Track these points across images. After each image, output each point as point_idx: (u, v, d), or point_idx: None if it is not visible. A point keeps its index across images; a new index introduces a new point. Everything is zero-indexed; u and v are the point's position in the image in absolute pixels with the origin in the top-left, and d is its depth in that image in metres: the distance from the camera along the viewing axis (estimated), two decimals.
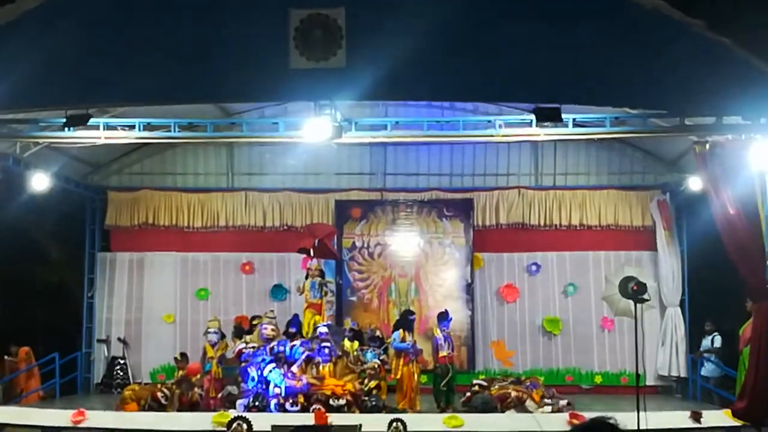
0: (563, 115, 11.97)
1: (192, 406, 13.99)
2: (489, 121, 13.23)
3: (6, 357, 17.18)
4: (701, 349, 17.00)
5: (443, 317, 14.83)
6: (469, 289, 18.20)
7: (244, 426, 11.49)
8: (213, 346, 14.74)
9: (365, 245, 18.46)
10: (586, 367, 18.02)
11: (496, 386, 14.59)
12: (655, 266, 17.83)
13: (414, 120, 13.97)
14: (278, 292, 18.47)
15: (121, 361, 18.18)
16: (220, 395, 14.29)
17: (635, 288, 10.93)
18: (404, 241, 18.39)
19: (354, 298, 18.35)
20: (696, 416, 13.03)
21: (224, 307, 18.28)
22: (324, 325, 14.73)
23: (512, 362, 18.14)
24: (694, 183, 15.90)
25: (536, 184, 18.64)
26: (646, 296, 11.09)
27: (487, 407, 13.56)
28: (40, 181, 15.82)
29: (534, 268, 18.38)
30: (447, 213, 18.39)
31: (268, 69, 11.35)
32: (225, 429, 11.66)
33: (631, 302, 11.02)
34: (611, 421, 2.57)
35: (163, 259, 18.78)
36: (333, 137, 12.44)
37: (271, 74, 11.37)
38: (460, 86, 11.46)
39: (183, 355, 15.21)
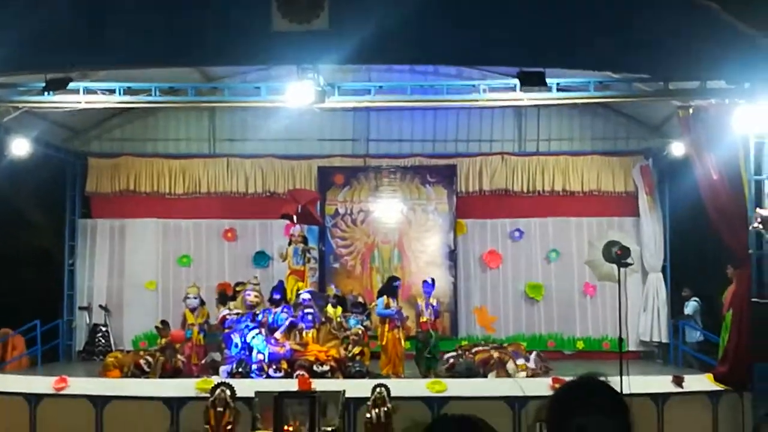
0: (547, 80, 11.92)
1: (175, 373, 13.95)
2: (473, 86, 13.17)
3: None
4: (684, 313, 17.11)
5: (426, 283, 14.85)
6: (452, 255, 18.19)
7: (228, 392, 11.44)
8: (192, 311, 14.69)
9: (348, 212, 18.40)
10: (568, 333, 18.10)
11: (478, 350, 14.62)
12: (638, 232, 17.84)
13: (397, 84, 13.89)
14: (261, 258, 18.40)
15: (103, 329, 18.10)
16: (203, 362, 14.27)
17: (619, 252, 10.95)
18: (387, 208, 18.34)
19: (337, 265, 18.32)
20: (678, 380, 13.12)
21: (207, 273, 18.21)
22: (307, 292, 14.69)
23: (495, 328, 18.19)
24: (677, 148, 15.89)
25: (519, 150, 18.60)
26: (629, 260, 11.11)
27: (470, 372, 13.60)
28: (20, 146, 15.65)
29: (517, 234, 18.38)
30: (430, 179, 18.33)
31: (251, 31, 11.24)
32: (208, 395, 11.62)
33: (615, 267, 11.05)
34: (602, 378, 2.51)
35: (145, 226, 18.65)
36: (316, 102, 12.35)
37: (253, 37, 11.26)
38: (444, 50, 11.39)
39: (164, 322, 15.14)
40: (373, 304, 14.98)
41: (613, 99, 13.94)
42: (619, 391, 2.53)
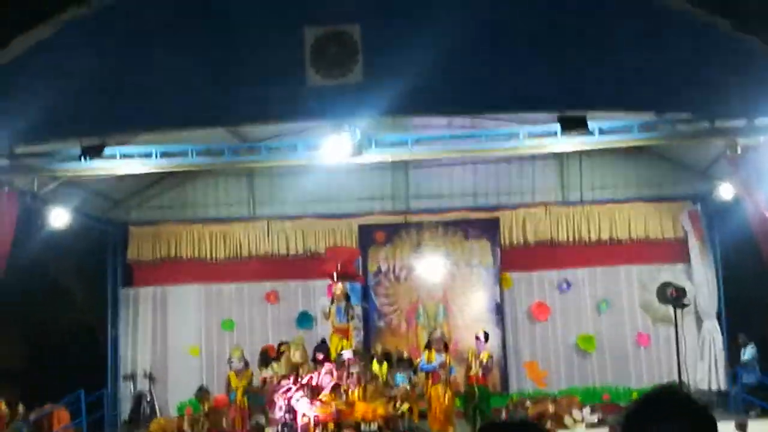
0: (589, 123, 11.66)
1: None
2: (513, 133, 12.93)
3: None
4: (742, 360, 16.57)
5: (478, 338, 14.60)
6: (499, 309, 17.81)
7: None
8: (237, 374, 14.43)
9: (391, 269, 18.14)
10: (623, 384, 17.51)
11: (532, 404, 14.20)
12: (689, 278, 17.32)
13: (435, 137, 13.65)
14: (304, 319, 18.16)
15: (148, 397, 17.88)
16: (248, 426, 13.95)
17: (674, 293, 10.57)
18: (430, 264, 18.05)
19: (382, 323, 18.01)
20: (742, 426, 12.58)
21: (250, 337, 17.97)
22: (350, 351, 14.35)
23: (546, 382, 17.68)
24: (725, 191, 15.51)
25: (563, 200, 18.29)
26: (685, 301, 10.72)
27: None
28: (59, 217, 15.60)
29: (565, 285, 17.96)
30: (473, 233, 18.04)
31: (285, 88, 11.18)
32: None
33: (671, 308, 10.63)
34: (676, 387, 2.33)
35: (187, 292, 18.54)
36: (353, 155, 12.19)
37: (288, 93, 11.19)
38: (481, 97, 11.22)
39: (202, 388, 14.90)
40: (418, 360, 14.66)
41: (657, 141, 13.57)
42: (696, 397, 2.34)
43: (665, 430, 2.20)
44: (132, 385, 18.25)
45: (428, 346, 14.27)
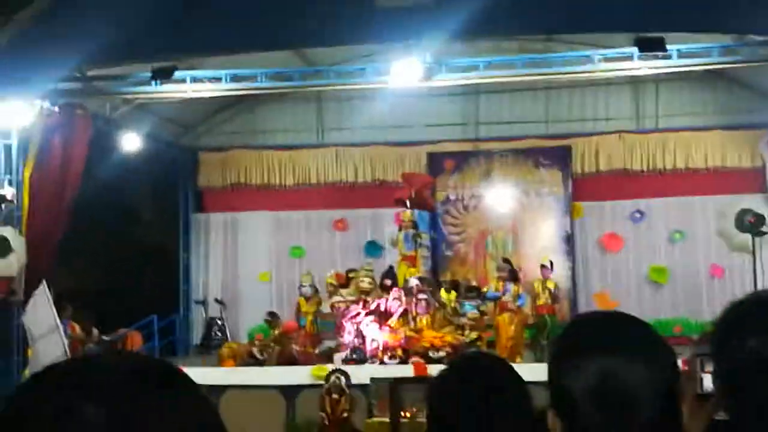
0: (667, 46, 11.26)
1: (290, 362, 13.79)
2: (587, 56, 12.57)
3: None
4: None
5: (544, 267, 14.44)
6: (569, 239, 17.56)
7: (343, 379, 11.21)
8: (307, 300, 14.51)
9: (459, 198, 17.98)
10: (696, 317, 17.19)
11: None
12: (766, 209, 16.81)
13: (507, 59, 13.34)
14: (372, 248, 18.14)
15: (219, 322, 18.12)
16: (317, 350, 14.05)
17: (752, 221, 10.26)
18: (500, 193, 17.84)
19: (450, 253, 17.92)
20: None
21: (319, 264, 17.98)
22: (416, 278, 14.28)
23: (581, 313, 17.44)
24: None
25: (637, 128, 17.82)
26: (764, 228, 10.38)
27: None
28: (131, 142, 15.77)
29: (638, 215, 17.60)
30: (544, 162, 17.73)
31: (354, 10, 10.97)
32: (323, 382, 11.40)
33: (749, 236, 10.33)
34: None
35: (257, 219, 18.65)
36: (423, 79, 12.00)
37: (355, 15, 11.00)
38: (555, 17, 10.90)
39: (272, 313, 15.02)
40: (486, 288, 14.57)
41: (738, 65, 13.06)
42: None
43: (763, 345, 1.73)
44: (203, 311, 18.52)
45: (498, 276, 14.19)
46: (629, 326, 1.80)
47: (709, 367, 1.83)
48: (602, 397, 1.66)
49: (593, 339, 1.76)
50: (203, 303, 18.56)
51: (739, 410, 1.72)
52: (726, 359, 1.76)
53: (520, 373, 2.43)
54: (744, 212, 10.59)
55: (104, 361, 1.09)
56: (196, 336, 18.51)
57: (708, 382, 1.85)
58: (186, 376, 1.10)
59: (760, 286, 10.85)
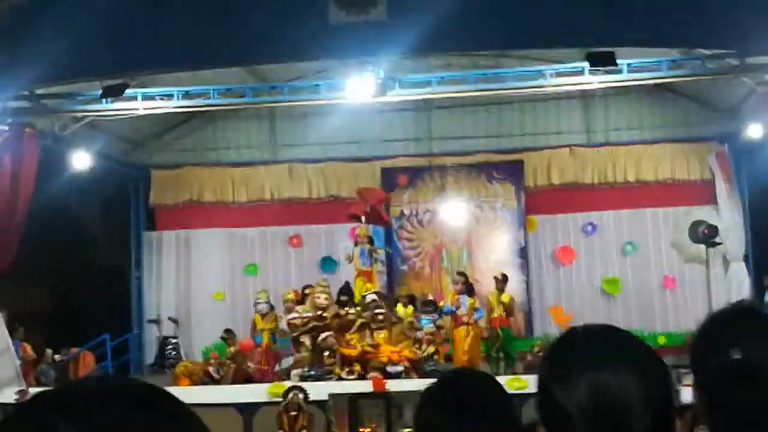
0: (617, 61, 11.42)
1: (247, 380, 13.69)
2: (539, 71, 12.70)
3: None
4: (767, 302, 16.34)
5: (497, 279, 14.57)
6: (523, 252, 17.68)
7: (301, 395, 11.14)
8: (263, 317, 14.42)
9: (414, 213, 18.02)
10: (649, 328, 17.29)
11: None
12: (716, 220, 17.06)
13: (460, 75, 13.44)
14: (328, 264, 18.09)
15: (173, 341, 17.91)
16: (276, 367, 13.96)
17: (706, 231, 10.41)
18: (454, 207, 17.90)
19: (405, 267, 17.93)
20: None
21: (274, 281, 17.90)
22: (373, 293, 14.28)
23: (571, 326, 17.53)
24: (754, 130, 15.19)
25: (588, 142, 18.03)
26: (717, 239, 10.54)
27: None
28: (81, 160, 15.56)
29: (590, 228, 17.78)
30: (497, 176, 17.85)
31: (306, 25, 10.98)
32: (281, 399, 11.31)
33: (702, 247, 10.48)
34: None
35: (210, 236, 18.49)
36: (377, 95, 12.02)
37: (309, 31, 11.00)
38: (507, 33, 11.00)
39: (228, 331, 14.94)
40: (442, 303, 14.61)
41: (687, 77, 13.28)
42: None
43: (756, 347, 1.79)
44: (157, 329, 18.30)
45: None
46: (619, 339, 1.79)
47: (687, 380, 1.84)
48: (595, 412, 1.64)
49: (584, 353, 1.72)
50: (156, 322, 18.35)
51: (720, 422, 1.73)
52: (707, 371, 1.77)
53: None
54: (698, 223, 10.75)
55: (90, 383, 1.11)
56: (150, 355, 18.26)
57: (686, 394, 1.86)
58: (171, 396, 1.11)
59: (713, 296, 10.98)
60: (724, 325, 1.87)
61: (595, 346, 1.75)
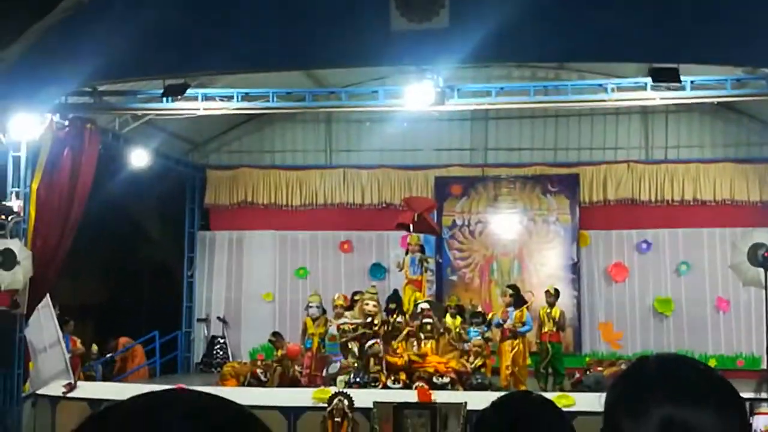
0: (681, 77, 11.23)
1: (292, 384, 13.70)
2: (599, 85, 12.55)
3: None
4: None
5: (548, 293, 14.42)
6: (575, 268, 17.50)
7: (345, 402, 11.10)
8: (314, 321, 14.41)
9: (466, 223, 17.93)
10: (699, 350, 17.04)
11: (607, 365, 13.96)
12: None
13: (519, 86, 13.36)
14: (377, 270, 18.08)
15: (221, 340, 18.06)
16: (323, 372, 13.94)
17: (766, 255, 10.18)
18: (506, 219, 17.79)
19: (454, 278, 17.85)
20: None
21: (323, 285, 17.91)
22: (425, 302, 14.25)
23: (621, 344, 17.35)
24: None
25: (646, 158, 17.80)
26: None
27: (599, 387, 12.89)
28: (139, 158, 15.78)
29: (644, 245, 17.53)
30: (551, 189, 17.69)
31: (368, 32, 10.91)
32: (326, 405, 11.29)
33: (761, 271, 10.27)
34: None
35: (262, 238, 18.59)
36: (435, 104, 11.97)
37: (371, 37, 10.93)
38: (571, 45, 10.84)
39: (276, 333, 14.97)
40: (492, 315, 14.51)
41: (752, 97, 13.02)
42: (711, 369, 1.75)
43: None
44: (206, 328, 18.45)
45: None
46: (697, 372, 1.69)
47: (762, 408, 1.77)
48: None
49: (660, 385, 1.63)
50: (206, 321, 18.50)
51: None
52: None
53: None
54: (757, 246, 10.52)
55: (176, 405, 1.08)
56: (198, 354, 18.42)
57: (758, 423, 1.79)
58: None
59: None
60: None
61: (672, 377, 1.65)
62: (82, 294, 17.84)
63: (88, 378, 15.21)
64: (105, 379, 15.99)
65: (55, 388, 13.07)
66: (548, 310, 14.42)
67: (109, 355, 16.78)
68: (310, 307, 14.64)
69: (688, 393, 1.61)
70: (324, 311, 14.71)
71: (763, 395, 1.81)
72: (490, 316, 14.61)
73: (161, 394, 1.16)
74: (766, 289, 10.62)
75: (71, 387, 12.94)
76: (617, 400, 1.67)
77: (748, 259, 10.70)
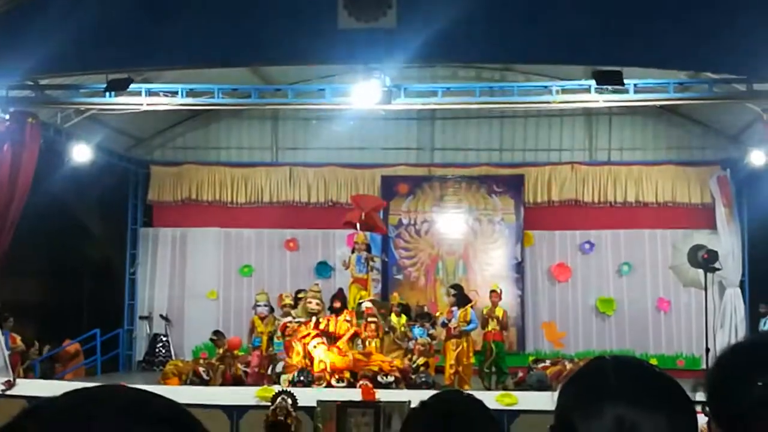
0: (624, 81, 11.38)
1: (236, 382, 13.60)
2: (544, 87, 12.67)
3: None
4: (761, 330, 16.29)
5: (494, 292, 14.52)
6: (519, 268, 17.62)
7: (289, 401, 11.02)
8: (262, 320, 14.31)
9: (412, 222, 17.96)
10: (640, 349, 17.27)
11: (548, 364, 14.10)
12: (714, 245, 17.02)
13: (465, 86, 13.42)
14: (323, 269, 18.03)
15: (164, 339, 17.86)
16: (269, 371, 13.84)
17: (705, 256, 10.35)
18: (452, 219, 17.86)
19: (400, 276, 17.87)
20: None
21: (268, 283, 17.79)
22: (368, 301, 14.24)
23: (564, 344, 17.52)
24: (757, 157, 15.24)
25: (590, 160, 17.99)
26: (717, 265, 10.49)
27: (542, 385, 13.01)
28: (81, 153, 15.53)
29: (587, 246, 17.74)
30: (497, 189, 17.79)
31: (316, 30, 10.92)
32: (269, 404, 11.21)
33: (701, 272, 10.44)
34: None
35: (207, 235, 18.42)
36: (382, 102, 11.98)
37: (318, 35, 10.93)
38: (516, 47, 10.94)
39: (217, 332, 14.85)
40: (437, 314, 14.55)
41: (694, 101, 13.26)
42: None
43: None
44: (148, 326, 18.23)
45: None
46: (652, 376, 1.70)
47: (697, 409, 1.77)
48: None
49: (615, 387, 1.63)
50: (148, 318, 18.28)
51: None
52: (730, 404, 1.71)
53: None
54: (697, 248, 10.70)
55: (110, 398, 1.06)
56: (140, 352, 18.20)
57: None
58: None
59: (710, 322, 10.94)
60: (749, 357, 1.78)
61: (627, 380, 1.66)
62: (22, 291, 17.48)
63: (27, 376, 14.93)
64: (44, 377, 15.72)
65: None
66: (492, 310, 14.50)
67: (46, 353, 16.50)
68: (258, 305, 14.53)
69: (643, 396, 1.62)
70: (272, 310, 14.62)
71: (698, 397, 1.83)
72: (437, 315, 14.67)
73: (95, 390, 1.14)
74: (705, 290, 10.79)
75: (10, 384, 12.68)
76: (571, 400, 1.67)
77: (689, 261, 10.89)
